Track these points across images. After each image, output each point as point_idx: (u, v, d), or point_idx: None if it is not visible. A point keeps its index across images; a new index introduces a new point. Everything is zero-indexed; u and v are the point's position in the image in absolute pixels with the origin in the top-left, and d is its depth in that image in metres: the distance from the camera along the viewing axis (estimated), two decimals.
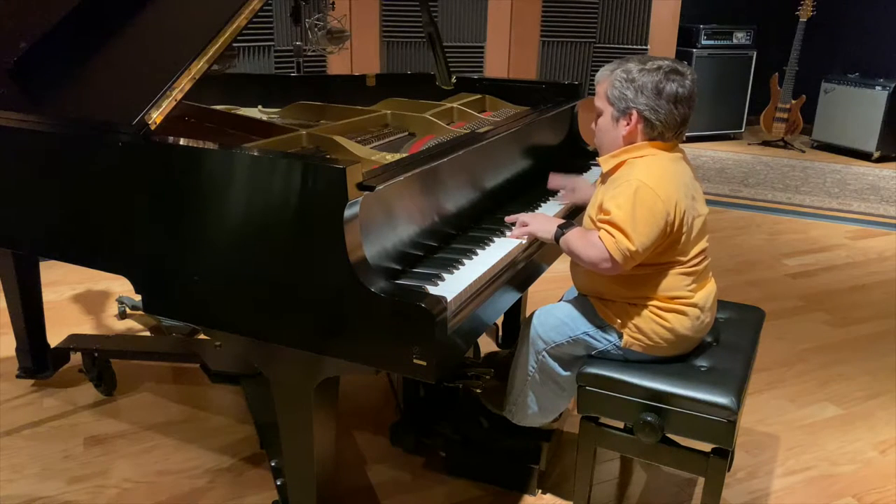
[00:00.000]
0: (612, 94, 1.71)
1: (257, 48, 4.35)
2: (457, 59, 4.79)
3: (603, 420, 1.80)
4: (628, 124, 1.71)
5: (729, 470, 1.76)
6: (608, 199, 1.66)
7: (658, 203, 1.62)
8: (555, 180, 2.14)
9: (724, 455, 1.68)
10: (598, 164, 1.82)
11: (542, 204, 2.09)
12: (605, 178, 1.78)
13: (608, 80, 1.73)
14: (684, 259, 1.72)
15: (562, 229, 1.74)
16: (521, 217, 1.84)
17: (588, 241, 1.67)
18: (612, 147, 1.75)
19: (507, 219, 1.85)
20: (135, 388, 2.51)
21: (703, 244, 1.76)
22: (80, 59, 1.80)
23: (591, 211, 1.78)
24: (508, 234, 1.82)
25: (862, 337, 3.04)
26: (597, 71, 1.81)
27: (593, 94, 1.81)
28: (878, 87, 5.84)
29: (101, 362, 2.43)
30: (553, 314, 1.84)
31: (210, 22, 1.64)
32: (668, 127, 1.70)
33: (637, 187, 1.62)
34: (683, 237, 1.69)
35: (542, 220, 1.82)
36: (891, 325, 3.15)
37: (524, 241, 1.79)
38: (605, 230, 1.64)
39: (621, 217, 1.62)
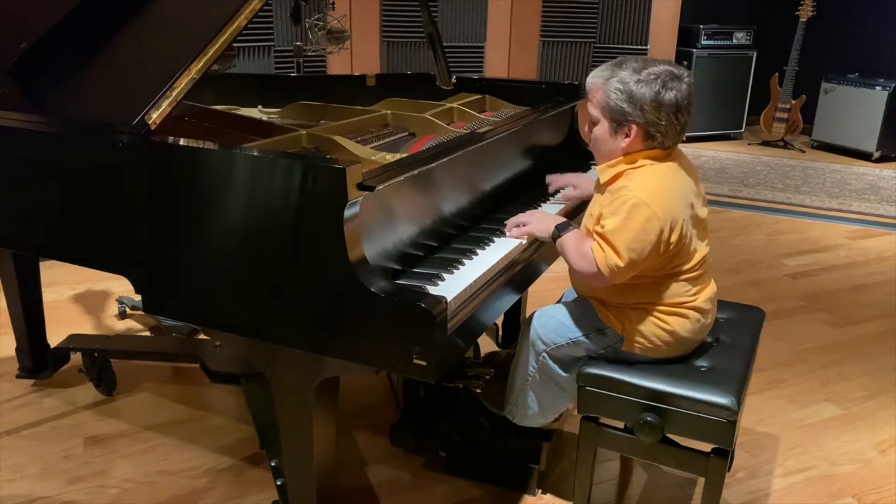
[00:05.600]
0: (609, 105, 1.65)
1: (257, 48, 4.35)
2: (457, 59, 4.79)
3: (603, 420, 1.80)
4: (627, 136, 1.66)
5: (729, 470, 1.76)
6: (606, 212, 1.64)
7: (653, 221, 1.59)
8: (555, 182, 2.12)
9: (724, 455, 1.68)
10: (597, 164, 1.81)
11: (542, 204, 2.09)
12: (602, 187, 1.74)
13: (602, 89, 1.67)
14: (686, 266, 1.71)
15: (559, 230, 1.72)
16: (520, 217, 1.83)
17: (580, 251, 1.66)
18: (611, 156, 1.71)
19: (508, 222, 1.84)
20: (135, 388, 2.51)
21: (704, 250, 1.75)
22: (80, 59, 1.80)
23: (587, 221, 1.77)
24: (508, 234, 1.81)
25: (862, 337, 3.04)
26: None
27: None
28: (878, 87, 5.84)
29: (101, 362, 2.43)
30: (553, 316, 1.84)
31: (210, 22, 1.64)
32: (669, 136, 1.67)
33: (634, 203, 1.60)
34: (683, 248, 1.68)
35: (541, 218, 1.81)
36: (891, 325, 3.15)
37: (524, 242, 1.79)
38: (598, 242, 1.63)
39: (613, 232, 1.60)
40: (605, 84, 1.67)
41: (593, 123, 1.72)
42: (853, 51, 6.35)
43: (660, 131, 1.65)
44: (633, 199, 1.60)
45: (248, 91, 2.53)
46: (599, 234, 1.63)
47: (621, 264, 1.60)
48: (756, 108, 6.44)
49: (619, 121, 1.66)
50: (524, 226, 1.80)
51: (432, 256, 1.68)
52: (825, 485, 2.13)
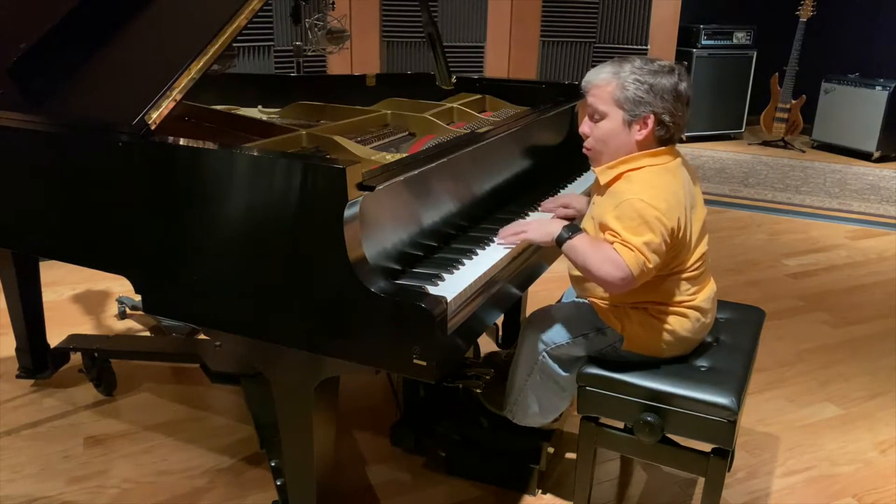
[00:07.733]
0: (626, 97, 1.64)
1: (257, 48, 4.35)
2: (457, 59, 4.79)
3: (603, 420, 1.80)
4: (642, 128, 1.66)
5: (729, 470, 1.76)
6: (612, 218, 1.61)
7: (662, 220, 1.59)
8: (546, 206, 2.05)
9: (724, 455, 1.68)
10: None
11: (535, 210, 2.08)
12: (601, 189, 1.73)
13: (615, 82, 1.66)
14: (685, 265, 1.71)
15: (569, 232, 1.66)
16: (516, 225, 1.77)
17: (604, 255, 1.59)
18: (620, 152, 1.69)
19: (501, 231, 1.77)
20: (135, 388, 2.51)
21: (702, 248, 1.75)
22: (80, 59, 1.80)
23: (586, 224, 1.75)
24: (497, 241, 1.74)
25: (862, 337, 3.03)
26: None
27: None
28: (878, 87, 5.83)
29: (101, 362, 2.43)
30: (553, 315, 1.84)
31: (210, 22, 1.64)
32: (679, 129, 1.68)
33: (639, 207, 1.59)
34: (682, 247, 1.68)
35: (540, 224, 1.75)
36: (891, 325, 3.15)
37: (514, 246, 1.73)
38: (622, 245, 1.58)
39: (632, 236, 1.58)
40: (617, 77, 1.66)
41: (600, 119, 1.70)
42: (853, 51, 6.35)
43: (674, 122, 1.66)
44: (639, 202, 1.59)
45: (248, 91, 2.53)
46: (621, 241, 1.59)
47: (650, 265, 1.58)
48: (756, 108, 6.44)
49: (635, 112, 1.65)
50: (522, 233, 1.73)
51: (432, 256, 1.68)
52: (825, 485, 2.13)
